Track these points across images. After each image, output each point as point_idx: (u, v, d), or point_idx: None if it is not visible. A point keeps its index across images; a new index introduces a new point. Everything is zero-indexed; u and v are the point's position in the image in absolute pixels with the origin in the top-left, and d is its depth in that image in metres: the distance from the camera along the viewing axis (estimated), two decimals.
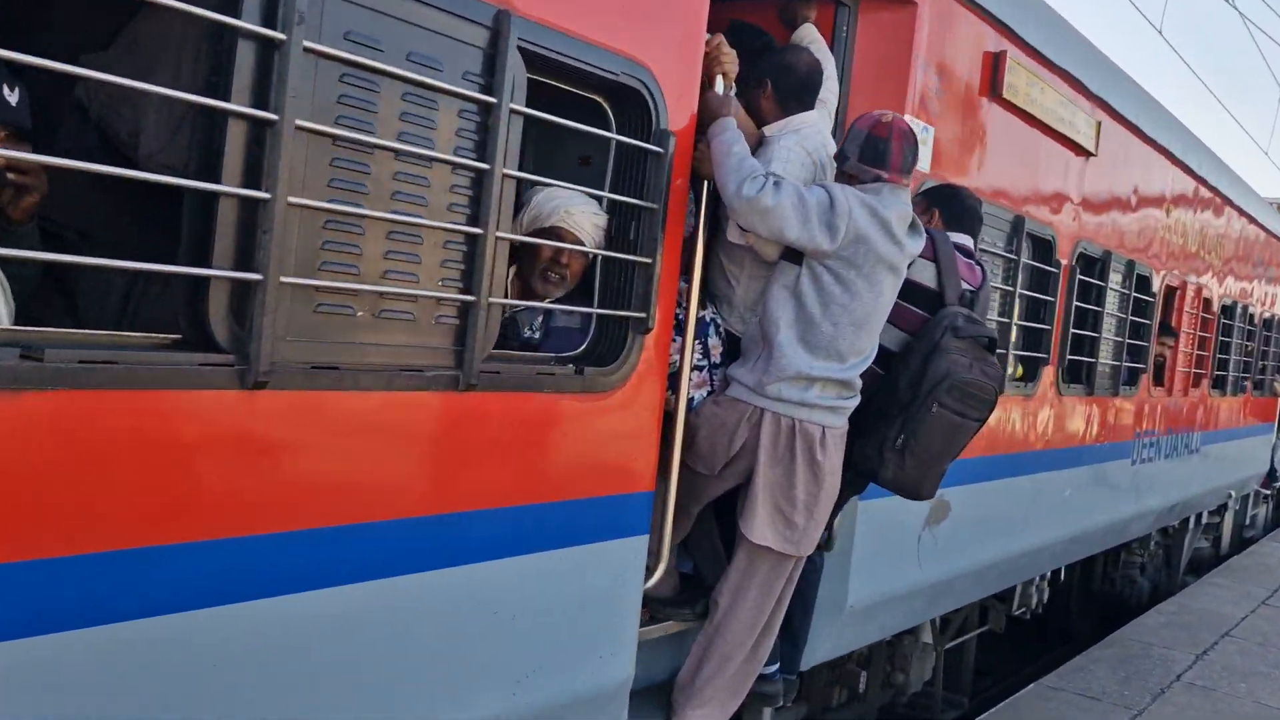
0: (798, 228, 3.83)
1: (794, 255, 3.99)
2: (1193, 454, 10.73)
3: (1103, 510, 8.50)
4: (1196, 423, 10.72)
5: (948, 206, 4.64)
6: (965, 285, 4.43)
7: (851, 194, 3.92)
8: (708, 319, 4.19)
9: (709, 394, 4.17)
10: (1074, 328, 7.30)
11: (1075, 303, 7.21)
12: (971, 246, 4.62)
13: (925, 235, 4.21)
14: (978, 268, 4.57)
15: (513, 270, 3.86)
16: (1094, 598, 11.05)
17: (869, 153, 4.04)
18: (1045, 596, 8.07)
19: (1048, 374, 6.97)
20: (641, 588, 3.90)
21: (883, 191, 4.02)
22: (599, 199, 3.76)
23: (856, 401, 4.19)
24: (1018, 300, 6.32)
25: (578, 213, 3.71)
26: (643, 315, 3.66)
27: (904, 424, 4.16)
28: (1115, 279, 7.95)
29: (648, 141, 3.64)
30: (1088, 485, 8.05)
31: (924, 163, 5.28)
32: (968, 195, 4.72)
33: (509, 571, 3.32)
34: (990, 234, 5.97)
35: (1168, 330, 9.43)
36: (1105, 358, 7.97)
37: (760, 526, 4.10)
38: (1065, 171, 6.92)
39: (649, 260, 3.65)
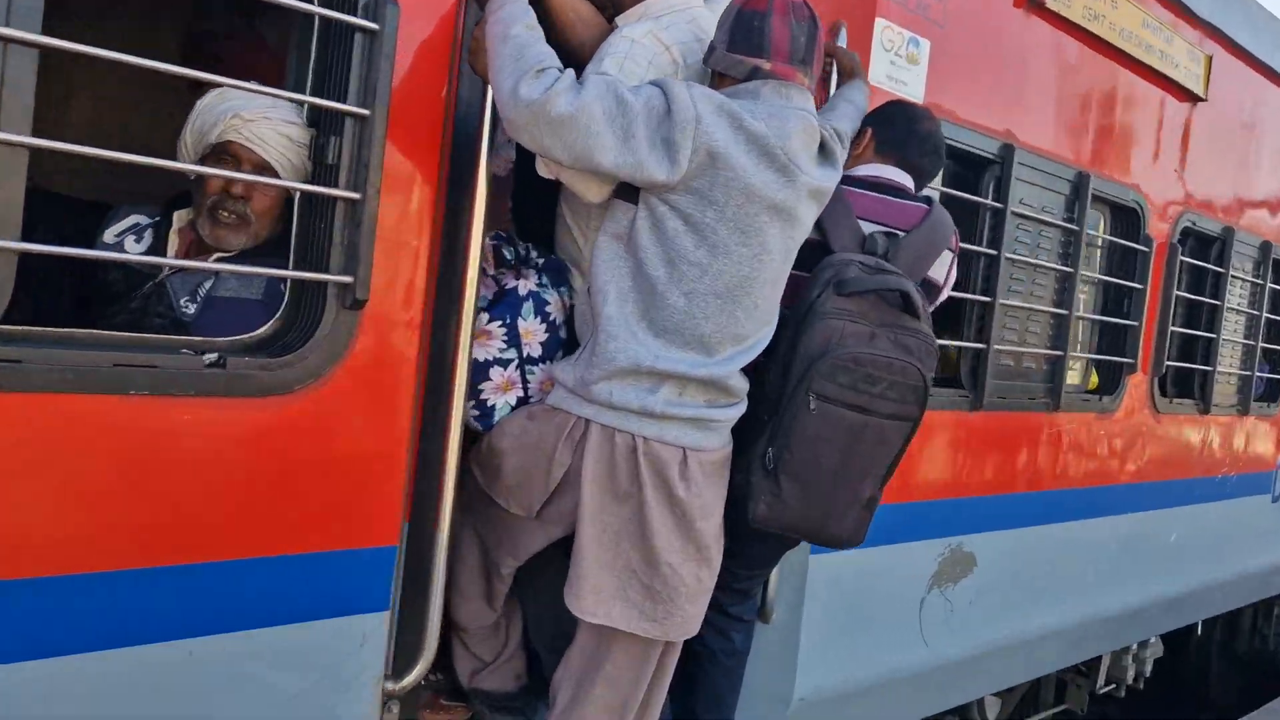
0: (615, 148, 2.49)
1: (630, 190, 2.66)
2: None
3: (1232, 558, 6.72)
4: None
5: (888, 126, 3.18)
6: (878, 226, 2.99)
7: (701, 95, 2.56)
8: (522, 291, 2.87)
9: (520, 401, 2.86)
10: (1179, 326, 5.64)
11: (1179, 293, 5.55)
12: (907, 182, 3.16)
13: (839, 165, 2.80)
14: (917, 205, 3.10)
15: (184, 214, 2.65)
16: (1239, 660, 9.17)
17: (740, 35, 2.66)
18: (1148, 667, 6.37)
19: (1136, 385, 5.34)
20: (379, 688, 2.61)
21: (761, 93, 2.65)
22: (299, 103, 2.52)
23: (739, 411, 2.81)
24: (1080, 284, 4.76)
25: (258, 119, 2.46)
26: (348, 280, 2.39)
27: (774, 432, 2.77)
28: (1243, 265, 6.20)
29: (354, 14, 2.38)
30: (1207, 527, 6.32)
31: (915, 88, 3.84)
32: (921, 116, 3.25)
33: (80, 675, 2.10)
34: (1033, 194, 4.45)
35: None
36: (1230, 366, 6.24)
37: (595, 597, 2.75)
38: (1160, 119, 5.29)
39: (356, 195, 2.38)
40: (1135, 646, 6.14)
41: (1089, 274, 4.89)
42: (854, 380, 2.71)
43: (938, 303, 3.19)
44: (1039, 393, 4.67)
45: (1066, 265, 4.67)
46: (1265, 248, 6.36)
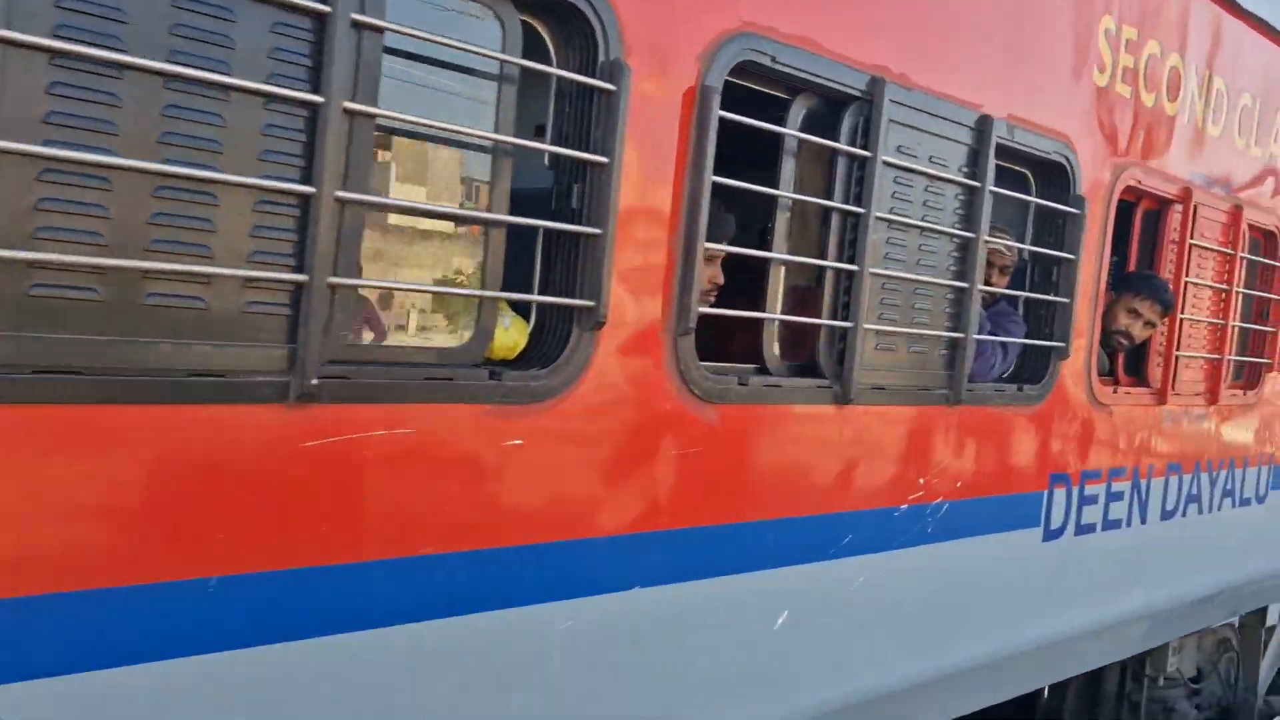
0: None
1: None
2: (1244, 503, 6.13)
3: (961, 637, 4.20)
4: (1249, 449, 6.10)
5: None
6: None
7: None
8: None
9: None
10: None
11: (734, 183, 3.05)
12: None
13: None
14: None
15: None
16: None
17: None
18: None
19: (623, 351, 2.84)
20: None
21: None
22: None
23: None
24: (373, 140, 2.27)
25: None
26: None
27: None
28: (924, 148, 3.65)
29: None
30: (899, 594, 3.81)
31: None
32: None
33: None
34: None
35: (1149, 289, 4.94)
36: (915, 325, 3.70)
37: None
38: None
39: None
40: None
41: (418, 121, 2.38)
42: None
43: None
44: (261, 364, 2.18)
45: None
46: (984, 124, 3.79)
